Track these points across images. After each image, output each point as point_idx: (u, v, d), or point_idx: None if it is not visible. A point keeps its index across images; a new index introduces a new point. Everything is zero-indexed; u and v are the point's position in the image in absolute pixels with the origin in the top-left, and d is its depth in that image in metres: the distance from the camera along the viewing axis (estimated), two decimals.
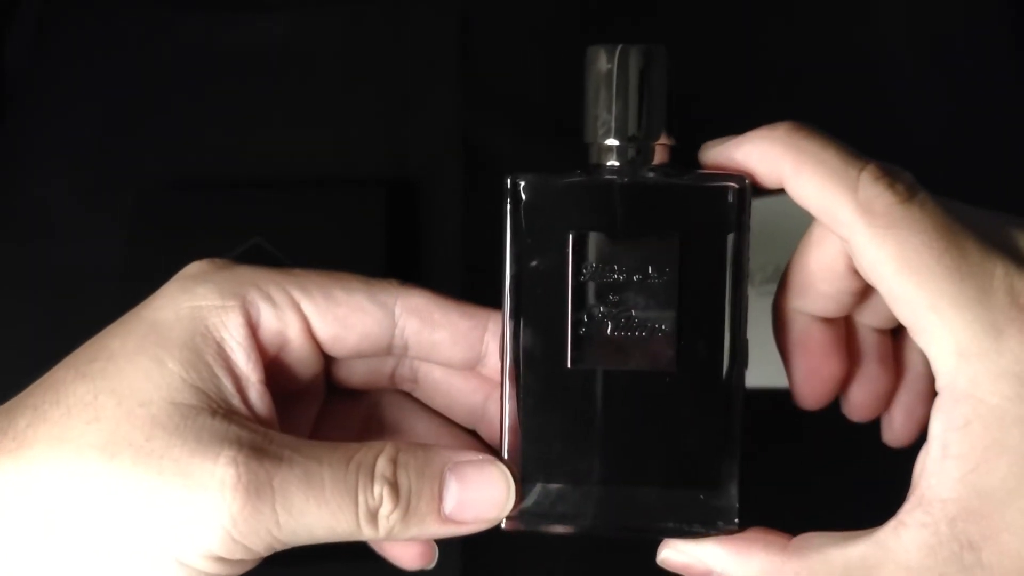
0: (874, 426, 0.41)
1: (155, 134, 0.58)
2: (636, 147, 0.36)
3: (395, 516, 0.35)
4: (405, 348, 0.40)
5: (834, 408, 0.40)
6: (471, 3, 0.59)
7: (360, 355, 0.40)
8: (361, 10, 0.59)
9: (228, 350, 0.37)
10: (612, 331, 0.36)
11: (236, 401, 0.36)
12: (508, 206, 0.36)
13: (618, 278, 0.36)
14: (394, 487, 0.35)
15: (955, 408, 0.32)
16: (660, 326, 0.36)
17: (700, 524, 0.36)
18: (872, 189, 0.33)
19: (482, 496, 0.36)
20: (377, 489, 0.35)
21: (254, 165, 0.57)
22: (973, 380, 0.32)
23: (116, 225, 0.57)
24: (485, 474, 0.36)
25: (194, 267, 0.39)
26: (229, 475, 0.34)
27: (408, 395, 0.43)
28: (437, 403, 0.42)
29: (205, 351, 0.36)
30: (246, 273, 0.38)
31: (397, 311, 0.39)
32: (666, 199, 0.35)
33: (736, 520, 0.36)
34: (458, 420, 0.42)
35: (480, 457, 0.37)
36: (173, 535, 0.34)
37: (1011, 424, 0.32)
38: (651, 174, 0.36)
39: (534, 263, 0.36)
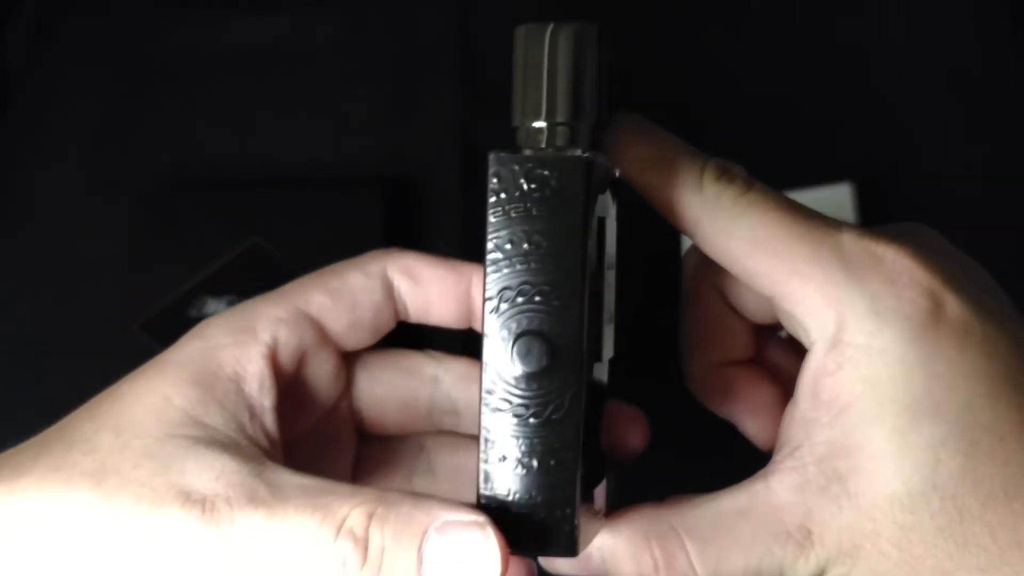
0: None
1: (155, 134, 0.58)
2: (568, 131, 0.33)
3: None
4: (406, 311, 0.40)
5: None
6: (471, 3, 0.59)
7: (377, 333, 0.40)
8: (361, 10, 0.59)
9: (241, 381, 0.36)
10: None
11: (251, 429, 0.36)
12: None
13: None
14: (362, 546, 0.32)
15: (827, 356, 0.33)
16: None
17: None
18: (715, 187, 0.34)
19: (468, 566, 0.32)
20: (340, 545, 0.32)
21: (254, 165, 0.57)
22: (840, 326, 0.33)
23: (116, 225, 0.57)
24: (473, 539, 0.32)
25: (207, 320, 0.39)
26: (195, 512, 0.33)
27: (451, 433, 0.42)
28: None
29: (215, 387, 0.36)
30: (249, 306, 0.38)
31: (390, 274, 0.39)
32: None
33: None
34: None
35: (470, 518, 0.32)
36: (150, 562, 0.33)
37: (875, 357, 0.33)
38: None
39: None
